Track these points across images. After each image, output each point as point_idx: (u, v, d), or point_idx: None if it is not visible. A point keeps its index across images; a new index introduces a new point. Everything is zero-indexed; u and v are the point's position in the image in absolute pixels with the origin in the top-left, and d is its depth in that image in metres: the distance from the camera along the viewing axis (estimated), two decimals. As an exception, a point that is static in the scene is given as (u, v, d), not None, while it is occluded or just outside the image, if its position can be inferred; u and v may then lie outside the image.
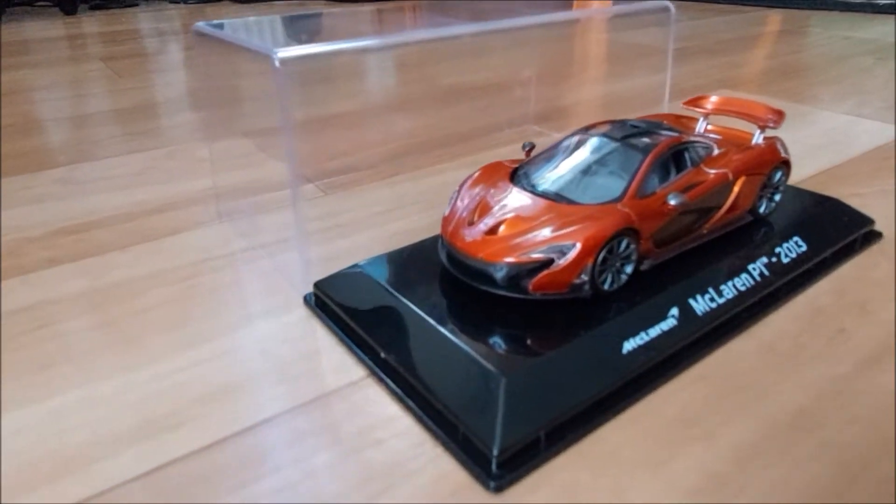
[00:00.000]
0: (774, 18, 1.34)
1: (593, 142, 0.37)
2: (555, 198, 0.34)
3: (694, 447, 0.28)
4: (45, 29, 1.43)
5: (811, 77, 0.87)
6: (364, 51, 0.40)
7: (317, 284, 0.38)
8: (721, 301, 0.34)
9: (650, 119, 0.44)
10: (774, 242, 0.39)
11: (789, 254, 0.39)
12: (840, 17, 1.35)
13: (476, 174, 0.37)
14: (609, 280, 0.33)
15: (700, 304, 0.34)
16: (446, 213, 0.36)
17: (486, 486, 0.26)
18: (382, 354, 0.32)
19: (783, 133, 0.43)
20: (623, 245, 0.32)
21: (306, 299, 0.38)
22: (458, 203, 0.36)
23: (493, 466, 0.26)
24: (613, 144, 0.36)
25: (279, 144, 0.67)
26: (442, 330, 0.31)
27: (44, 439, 0.29)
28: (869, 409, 0.30)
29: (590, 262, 0.31)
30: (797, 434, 0.28)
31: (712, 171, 0.37)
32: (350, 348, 0.34)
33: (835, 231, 0.42)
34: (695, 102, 0.45)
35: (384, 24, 0.59)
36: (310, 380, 0.32)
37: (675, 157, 0.36)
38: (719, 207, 0.37)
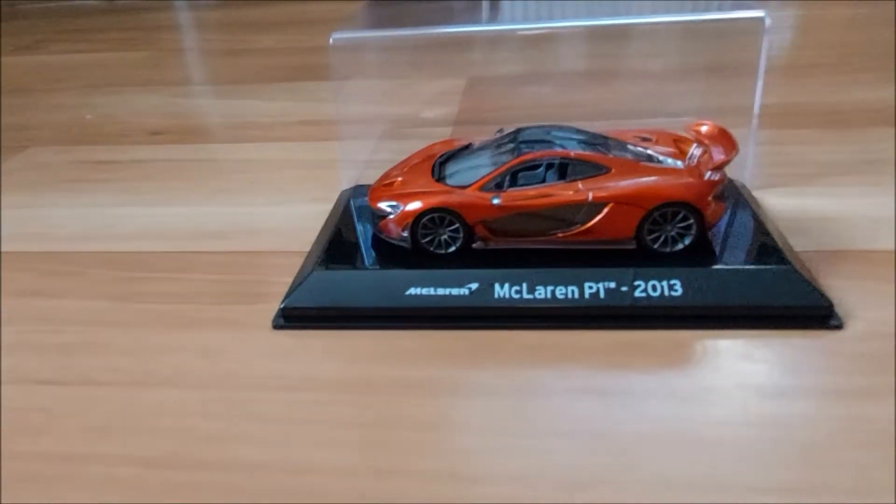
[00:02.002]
0: None
1: (503, 139, 0.44)
2: (436, 174, 0.44)
3: (357, 366, 0.39)
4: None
5: None
6: (423, 38, 0.53)
7: (342, 193, 0.56)
8: (526, 297, 0.40)
9: (635, 133, 0.46)
10: (642, 276, 0.40)
11: (651, 293, 0.39)
12: None
13: (429, 145, 0.49)
14: (435, 243, 0.42)
15: (502, 291, 0.40)
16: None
17: (272, 324, 0.43)
18: (312, 242, 0.50)
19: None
20: (446, 221, 0.41)
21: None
22: (401, 162, 0.49)
23: (280, 314, 0.43)
24: (510, 146, 0.43)
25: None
26: (329, 238, 0.47)
27: (119, 224, 0.56)
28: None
29: (409, 222, 0.42)
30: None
31: (578, 190, 0.40)
32: (320, 234, 0.52)
33: (751, 297, 0.39)
34: (692, 126, 0.44)
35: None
36: (285, 241, 0.52)
37: (560, 169, 0.41)
38: (580, 224, 0.41)
